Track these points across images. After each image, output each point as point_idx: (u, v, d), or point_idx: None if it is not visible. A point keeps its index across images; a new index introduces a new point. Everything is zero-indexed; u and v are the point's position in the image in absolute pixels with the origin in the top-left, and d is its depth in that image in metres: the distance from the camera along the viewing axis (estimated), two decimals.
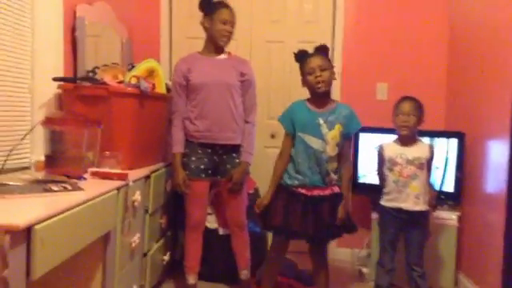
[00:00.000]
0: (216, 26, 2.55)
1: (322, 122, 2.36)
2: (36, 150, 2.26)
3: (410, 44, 3.49)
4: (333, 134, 2.36)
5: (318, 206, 2.35)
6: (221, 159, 2.63)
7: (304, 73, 2.41)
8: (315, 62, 2.37)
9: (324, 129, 2.35)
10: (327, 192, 2.38)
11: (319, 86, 2.34)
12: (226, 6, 2.56)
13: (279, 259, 2.58)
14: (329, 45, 3.47)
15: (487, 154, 2.74)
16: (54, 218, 1.44)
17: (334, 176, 2.40)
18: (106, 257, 1.98)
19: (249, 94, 2.65)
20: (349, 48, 3.53)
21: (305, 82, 2.42)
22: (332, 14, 3.55)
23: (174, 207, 2.95)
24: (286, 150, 2.44)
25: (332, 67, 2.43)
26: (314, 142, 2.35)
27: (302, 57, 2.45)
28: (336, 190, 2.40)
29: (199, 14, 2.62)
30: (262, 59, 3.58)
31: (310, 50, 2.46)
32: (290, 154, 2.43)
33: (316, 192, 2.37)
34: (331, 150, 2.36)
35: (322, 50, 2.45)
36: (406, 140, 2.50)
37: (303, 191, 2.37)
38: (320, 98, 2.40)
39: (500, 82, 2.55)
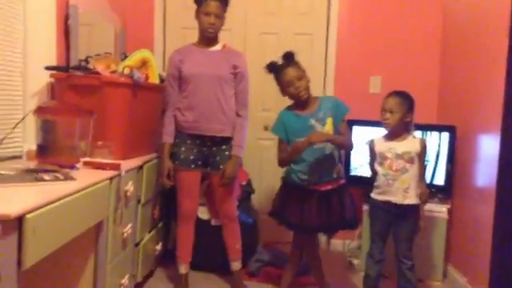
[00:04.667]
0: (200, 19, 2.55)
1: (313, 122, 2.43)
2: (28, 139, 2.26)
3: (404, 38, 3.50)
4: (327, 129, 2.44)
5: (330, 199, 2.46)
6: (210, 151, 2.63)
7: (283, 85, 2.47)
8: (290, 74, 2.42)
9: (318, 128, 2.43)
10: (335, 185, 2.49)
11: (301, 94, 2.42)
12: None
13: (299, 254, 2.66)
14: (323, 37, 3.54)
15: (478, 147, 2.77)
16: (46, 208, 1.44)
17: (339, 166, 2.52)
18: (98, 246, 1.99)
19: (241, 86, 2.64)
20: (343, 40, 3.53)
21: (286, 93, 2.48)
22: (327, 6, 3.54)
23: (167, 198, 2.95)
24: (285, 153, 2.50)
25: (305, 72, 2.47)
26: None
27: (274, 69, 2.51)
28: (341, 182, 2.53)
29: (193, 5, 2.61)
30: (257, 51, 3.57)
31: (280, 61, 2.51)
32: None
33: (327, 187, 2.46)
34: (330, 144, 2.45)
35: (291, 59, 2.49)
36: (396, 134, 2.51)
37: (316, 187, 2.45)
38: (303, 102, 2.48)
39: (491, 76, 2.57)
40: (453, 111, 3.20)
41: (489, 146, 2.60)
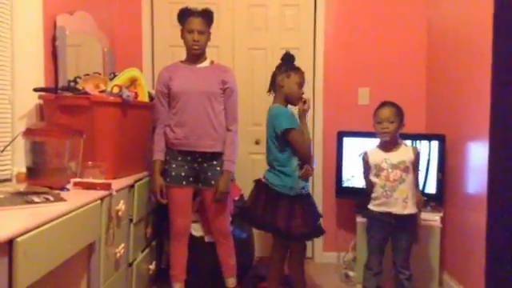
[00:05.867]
0: (185, 37, 2.58)
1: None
2: (17, 162, 2.23)
3: (390, 49, 3.54)
4: None
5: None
6: (201, 167, 2.62)
7: (291, 80, 2.56)
8: (303, 78, 2.59)
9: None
10: None
11: (296, 99, 2.57)
12: (193, 15, 2.56)
13: (282, 261, 2.67)
14: (310, 51, 3.58)
15: (468, 155, 2.79)
16: (37, 230, 1.42)
17: None
18: (91, 268, 1.97)
19: (230, 102, 2.65)
20: (330, 54, 3.57)
21: (291, 88, 2.56)
22: (313, 21, 3.58)
23: (160, 216, 2.93)
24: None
25: None
26: None
27: (292, 61, 2.62)
28: None
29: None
30: (245, 66, 3.60)
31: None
32: None
33: None
34: None
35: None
36: (389, 145, 2.53)
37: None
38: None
39: (478, 84, 2.61)
40: (441, 120, 3.23)
41: (478, 153, 2.62)
